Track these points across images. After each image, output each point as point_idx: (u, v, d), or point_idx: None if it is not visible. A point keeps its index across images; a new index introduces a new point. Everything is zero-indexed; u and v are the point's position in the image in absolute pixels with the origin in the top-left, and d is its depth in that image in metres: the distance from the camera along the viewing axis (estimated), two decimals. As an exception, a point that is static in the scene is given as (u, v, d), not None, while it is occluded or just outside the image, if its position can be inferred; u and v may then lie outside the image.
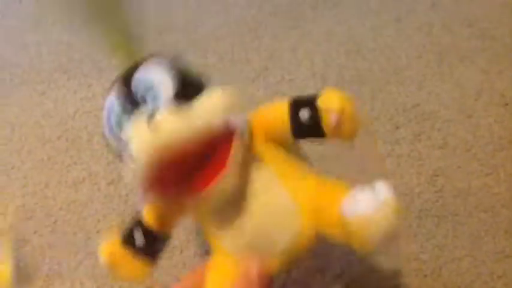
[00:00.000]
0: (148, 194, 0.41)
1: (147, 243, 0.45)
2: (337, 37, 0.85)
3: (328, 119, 0.40)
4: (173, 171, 0.38)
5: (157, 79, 0.40)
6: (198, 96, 0.40)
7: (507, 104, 0.73)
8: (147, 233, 0.46)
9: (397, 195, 0.66)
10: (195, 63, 0.83)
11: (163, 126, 0.37)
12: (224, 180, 0.39)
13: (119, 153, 0.43)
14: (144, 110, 0.39)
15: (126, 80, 0.42)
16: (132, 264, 0.46)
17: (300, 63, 0.82)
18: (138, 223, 0.46)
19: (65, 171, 0.76)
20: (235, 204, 0.42)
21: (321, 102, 0.41)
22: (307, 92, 0.78)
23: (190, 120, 0.38)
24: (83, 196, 0.73)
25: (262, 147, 0.43)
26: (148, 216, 0.46)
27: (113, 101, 0.42)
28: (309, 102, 0.41)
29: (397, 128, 0.73)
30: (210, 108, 0.39)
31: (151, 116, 0.37)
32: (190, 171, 0.39)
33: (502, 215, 0.63)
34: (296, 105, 0.42)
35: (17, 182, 0.76)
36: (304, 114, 0.41)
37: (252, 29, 0.88)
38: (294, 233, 0.41)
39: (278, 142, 0.44)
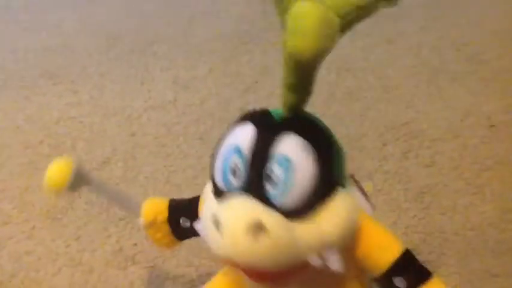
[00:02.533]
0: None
1: (189, 229, 0.45)
2: (328, 55, 0.86)
3: None
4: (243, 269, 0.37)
5: (300, 167, 0.34)
6: (321, 203, 0.35)
7: (493, 126, 0.74)
8: (191, 220, 0.45)
9: (384, 212, 0.67)
10: (185, 74, 0.84)
11: (263, 249, 0.33)
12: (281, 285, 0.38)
13: (214, 184, 0.38)
14: (269, 193, 0.34)
15: (270, 132, 0.35)
16: (164, 235, 0.47)
17: (290, 78, 0.83)
18: (191, 209, 0.45)
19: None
20: None
21: None
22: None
23: (294, 255, 0.35)
24: (63, 202, 0.70)
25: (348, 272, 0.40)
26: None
27: (243, 140, 0.36)
28: (414, 278, 0.38)
29: (385, 145, 0.73)
30: (318, 243, 0.35)
31: (258, 226, 0.33)
32: None
33: (489, 234, 0.63)
34: (400, 266, 0.38)
35: (-6, 185, 0.73)
36: (401, 284, 0.38)
37: (243, 43, 0.88)
38: None
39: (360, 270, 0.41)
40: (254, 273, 0.37)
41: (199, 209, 0.43)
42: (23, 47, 0.97)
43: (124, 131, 0.79)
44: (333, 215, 0.35)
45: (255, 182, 0.35)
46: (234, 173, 0.35)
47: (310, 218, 0.35)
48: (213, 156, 0.38)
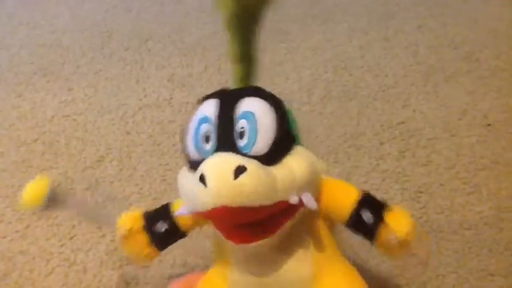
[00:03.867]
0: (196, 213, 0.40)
1: (167, 233, 0.46)
2: (325, 53, 0.86)
3: (387, 238, 0.41)
4: (221, 220, 0.40)
5: (262, 121, 0.39)
6: (283, 157, 0.40)
7: (490, 125, 0.74)
8: (171, 225, 0.46)
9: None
10: (181, 71, 0.83)
11: (247, 187, 0.36)
12: (263, 242, 0.40)
13: (188, 160, 0.41)
14: (240, 145, 0.39)
15: (231, 99, 0.41)
16: (143, 246, 0.46)
17: (287, 76, 0.82)
18: (166, 213, 0.47)
19: (40, 174, 0.73)
20: (262, 256, 0.42)
21: (389, 219, 0.42)
22: (294, 104, 0.78)
23: (273, 191, 0.38)
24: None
25: (314, 220, 0.44)
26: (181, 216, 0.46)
27: (209, 110, 0.40)
28: (377, 208, 0.43)
29: (382, 144, 0.73)
30: (292, 182, 0.39)
31: (238, 168, 0.36)
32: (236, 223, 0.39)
33: (486, 233, 0.63)
34: (363, 202, 0.43)
35: (-13, 184, 0.72)
36: (369, 217, 0.42)
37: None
38: None
39: (329, 220, 0.45)
40: (236, 232, 0.40)
41: (173, 209, 0.46)
42: (17, 44, 0.96)
43: (119, 129, 0.78)
44: (300, 162, 0.40)
45: (226, 139, 0.39)
46: (206, 139, 0.40)
47: (281, 164, 0.39)
48: (182, 135, 0.42)
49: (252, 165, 0.37)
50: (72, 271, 0.62)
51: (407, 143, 0.73)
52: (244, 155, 0.38)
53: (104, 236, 0.65)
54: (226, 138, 0.39)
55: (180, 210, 0.42)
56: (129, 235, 0.46)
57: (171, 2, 1.01)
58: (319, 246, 0.43)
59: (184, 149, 0.41)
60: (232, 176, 0.36)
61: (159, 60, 0.89)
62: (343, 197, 0.43)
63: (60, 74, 0.89)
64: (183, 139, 0.42)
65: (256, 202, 0.37)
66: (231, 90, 0.43)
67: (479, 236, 0.63)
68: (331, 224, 0.45)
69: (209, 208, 0.37)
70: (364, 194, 0.43)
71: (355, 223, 0.43)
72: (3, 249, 0.65)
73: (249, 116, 0.39)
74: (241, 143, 0.39)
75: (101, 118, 0.80)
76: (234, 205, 0.36)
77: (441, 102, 0.77)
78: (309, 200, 0.39)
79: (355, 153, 0.72)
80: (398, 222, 0.42)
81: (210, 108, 0.40)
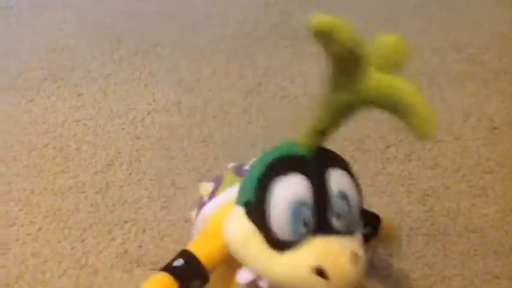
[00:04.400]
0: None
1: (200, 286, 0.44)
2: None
3: (376, 246, 0.47)
4: None
5: (352, 195, 0.40)
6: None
7: (495, 128, 0.74)
8: (204, 280, 0.44)
9: (388, 214, 0.67)
10: (189, 76, 0.84)
11: (359, 274, 0.39)
12: None
13: (277, 240, 0.40)
14: (337, 227, 0.40)
15: (319, 175, 0.40)
16: None
17: (293, 80, 0.83)
18: (196, 270, 0.44)
19: (52, 178, 0.74)
20: None
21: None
22: (299, 109, 0.79)
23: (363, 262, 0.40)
24: (69, 204, 0.71)
25: None
26: (213, 263, 0.44)
27: (304, 195, 0.39)
28: (375, 222, 0.48)
29: (388, 147, 0.74)
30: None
31: (354, 255, 0.38)
32: None
33: (491, 236, 0.64)
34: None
35: (0, 188, 0.74)
36: (369, 229, 0.47)
37: (247, 45, 0.89)
38: None
39: None
40: None
41: (204, 263, 0.43)
42: (26, 49, 0.98)
43: (128, 134, 0.79)
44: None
45: (325, 222, 0.39)
46: (304, 223, 0.39)
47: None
48: (261, 211, 0.40)
49: (360, 249, 0.40)
50: (84, 273, 0.63)
51: (413, 146, 0.73)
52: (339, 233, 0.40)
53: (114, 238, 0.67)
54: (325, 221, 0.39)
55: (246, 278, 0.41)
56: None
57: (179, 7, 1.02)
58: None
59: (269, 231, 0.40)
60: (354, 267, 0.38)
61: (168, 64, 0.90)
62: None
63: (70, 79, 0.90)
64: (261, 218, 0.40)
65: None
66: (310, 162, 0.41)
67: (485, 239, 0.64)
68: None
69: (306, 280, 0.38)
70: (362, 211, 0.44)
71: None
72: (16, 252, 0.67)
73: (344, 196, 0.40)
74: (338, 224, 0.40)
75: (110, 123, 0.81)
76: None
77: (446, 105, 0.77)
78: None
79: (361, 156, 0.73)
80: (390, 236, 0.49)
81: (303, 190, 0.39)
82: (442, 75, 0.81)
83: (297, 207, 0.39)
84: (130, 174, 0.74)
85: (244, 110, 0.81)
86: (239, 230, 0.41)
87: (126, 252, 0.65)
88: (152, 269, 0.63)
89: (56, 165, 0.76)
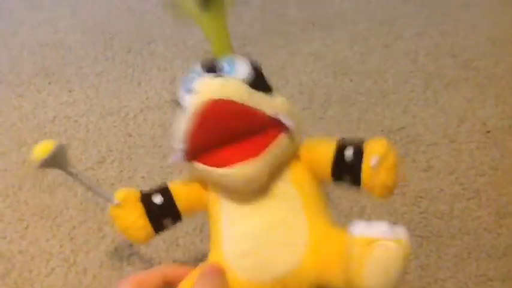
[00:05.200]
0: (187, 147, 0.40)
1: (162, 207, 0.45)
2: (326, 59, 0.86)
3: (369, 161, 0.39)
4: (215, 135, 0.39)
5: (238, 64, 0.41)
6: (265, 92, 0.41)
7: (488, 132, 0.74)
8: (168, 202, 0.45)
9: (381, 215, 0.67)
10: (183, 74, 0.83)
11: (231, 84, 0.38)
12: (251, 166, 0.39)
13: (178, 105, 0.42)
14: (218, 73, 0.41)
15: (212, 61, 0.42)
16: (138, 216, 0.44)
17: (287, 81, 0.83)
18: (163, 189, 0.45)
19: (41, 175, 0.73)
20: (250, 207, 0.41)
21: (366, 145, 0.41)
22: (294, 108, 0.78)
23: (254, 95, 0.39)
24: (57, 202, 0.70)
25: (302, 174, 0.43)
26: (178, 191, 0.45)
27: (195, 68, 0.43)
28: (356, 145, 0.42)
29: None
30: (273, 102, 0.40)
31: (219, 75, 0.39)
32: (227, 143, 0.39)
33: (485, 239, 0.64)
34: (343, 145, 0.42)
35: (-12, 184, 0.72)
36: (349, 152, 0.41)
37: (241, 45, 0.88)
38: (295, 264, 0.39)
39: (318, 178, 0.44)
40: (223, 153, 0.39)
41: (171, 186, 0.45)
42: (18, 44, 0.96)
43: (120, 131, 0.78)
44: (282, 100, 0.41)
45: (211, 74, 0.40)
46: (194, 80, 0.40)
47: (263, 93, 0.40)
48: (174, 101, 0.43)
49: (233, 78, 0.40)
50: (72, 272, 0.62)
51: (407, 148, 0.73)
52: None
53: (104, 237, 0.65)
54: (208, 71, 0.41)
55: (174, 156, 0.41)
56: (124, 205, 0.44)
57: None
58: (309, 200, 0.42)
59: (177, 104, 0.42)
60: (216, 78, 0.39)
61: (161, 62, 0.89)
62: (324, 146, 0.43)
63: (62, 75, 0.89)
64: (174, 101, 0.43)
65: (241, 98, 0.38)
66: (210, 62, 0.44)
67: (478, 241, 0.63)
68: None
69: (199, 109, 0.38)
70: (341, 138, 0.43)
71: (340, 166, 0.41)
72: (3, 249, 0.65)
73: (229, 61, 0.41)
74: (222, 73, 0.40)
75: (102, 120, 0.80)
76: (222, 98, 0.38)
77: (440, 109, 0.77)
78: (287, 121, 0.40)
79: (356, 157, 0.72)
80: (374, 146, 0.40)
81: (198, 68, 0.42)
82: (437, 79, 0.81)
83: (188, 76, 0.42)
84: (121, 171, 0.73)
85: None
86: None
87: (116, 250, 0.64)
88: (142, 268, 0.62)
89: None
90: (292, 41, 0.88)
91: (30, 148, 0.77)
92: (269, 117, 0.39)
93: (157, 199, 0.45)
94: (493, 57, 0.83)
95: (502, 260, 0.62)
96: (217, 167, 0.39)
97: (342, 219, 0.66)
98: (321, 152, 0.43)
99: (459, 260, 0.62)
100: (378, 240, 0.34)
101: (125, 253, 0.64)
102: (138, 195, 0.45)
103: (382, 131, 0.75)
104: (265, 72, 0.43)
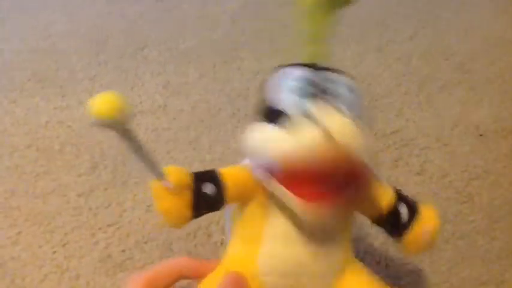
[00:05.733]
0: (277, 168, 0.37)
1: (212, 198, 0.41)
2: (319, 62, 0.86)
3: (419, 228, 0.42)
4: (311, 166, 0.36)
5: (347, 88, 0.38)
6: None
7: (482, 135, 0.75)
8: (218, 190, 0.41)
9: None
10: (176, 79, 0.83)
11: (359, 134, 0.35)
12: (327, 208, 0.37)
13: (271, 111, 0.38)
14: (330, 100, 0.37)
15: (319, 70, 0.40)
16: (183, 204, 0.40)
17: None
18: (216, 177, 0.42)
19: (33, 181, 0.73)
20: (299, 230, 0.40)
21: (422, 211, 0.42)
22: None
23: (369, 145, 0.37)
24: (50, 207, 0.69)
25: (351, 212, 0.43)
26: (233, 179, 0.42)
27: (296, 72, 0.39)
28: (411, 203, 0.42)
29: (376, 152, 0.73)
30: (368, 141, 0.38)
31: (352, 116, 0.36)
32: (312, 178, 0.37)
33: (478, 243, 0.64)
34: (400, 197, 0.42)
35: (-20, 190, 0.72)
36: (403, 209, 0.42)
37: (234, 49, 0.88)
38: None
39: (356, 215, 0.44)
40: (308, 189, 0.37)
41: (225, 175, 0.42)
42: (10, 49, 0.96)
43: (113, 136, 0.78)
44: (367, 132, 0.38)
45: (317, 95, 0.37)
46: (293, 92, 0.37)
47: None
48: (260, 92, 0.39)
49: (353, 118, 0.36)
50: (65, 278, 0.62)
51: (401, 152, 0.73)
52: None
53: (97, 242, 0.65)
54: (315, 93, 0.37)
55: (256, 170, 0.39)
56: (173, 189, 0.40)
57: (167, 9, 1.01)
58: (348, 239, 0.42)
59: (263, 104, 0.39)
60: (346, 118, 0.35)
61: (155, 67, 0.89)
62: (381, 191, 0.42)
63: (55, 80, 0.89)
64: (260, 94, 0.39)
65: (358, 154, 0.35)
66: (311, 63, 0.41)
67: (472, 246, 0.64)
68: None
69: (315, 149, 0.35)
70: (398, 190, 0.43)
71: (392, 218, 0.42)
72: (-5, 255, 0.65)
73: (333, 81, 0.38)
74: (329, 100, 0.37)
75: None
76: (341, 148, 0.34)
77: (434, 112, 0.77)
78: (373, 168, 0.38)
79: (349, 161, 0.72)
80: (431, 217, 0.42)
81: (297, 70, 0.39)
82: (431, 82, 0.81)
83: (288, 77, 0.38)
84: (114, 177, 0.72)
85: (231, 114, 0.80)
86: (250, 133, 0.40)
87: (109, 256, 0.64)
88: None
89: (38, 167, 0.75)
90: (285, 45, 0.88)
91: (22, 153, 0.77)
92: (365, 163, 0.37)
93: (208, 189, 0.41)
94: (487, 60, 0.84)
95: (496, 264, 0.62)
96: (298, 197, 0.37)
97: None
98: (378, 196, 0.42)
99: (453, 265, 0.62)
100: None
101: (118, 259, 0.63)
102: (190, 180, 0.41)
103: (376, 134, 0.75)
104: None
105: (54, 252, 0.65)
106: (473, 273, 0.61)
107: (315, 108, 0.36)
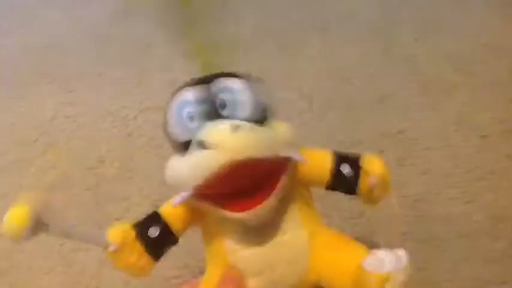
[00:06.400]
0: (194, 193, 0.40)
1: (160, 238, 0.44)
2: (326, 63, 0.87)
3: (367, 180, 0.43)
4: (225, 182, 0.39)
5: (239, 92, 0.41)
6: (266, 122, 0.41)
7: (485, 136, 0.75)
8: (163, 229, 0.44)
9: (379, 218, 0.67)
10: (182, 76, 0.83)
11: (249, 138, 0.38)
12: (263, 208, 0.40)
13: (178, 144, 0.41)
14: (225, 115, 0.40)
15: (205, 83, 0.42)
16: (138, 256, 0.44)
17: (288, 84, 0.83)
18: (156, 218, 0.44)
19: (40, 174, 0.73)
20: (258, 229, 0.43)
21: (364, 163, 0.44)
22: (294, 112, 0.79)
23: (271, 142, 0.40)
24: (57, 200, 0.70)
25: (297, 189, 0.45)
26: (172, 214, 0.45)
27: (187, 96, 0.41)
28: (352, 160, 0.44)
29: (381, 152, 0.74)
30: (280, 138, 0.41)
31: (234, 125, 0.38)
32: (236, 188, 0.40)
33: (482, 242, 0.64)
34: (339, 158, 0.44)
35: (-14, 183, 0.72)
36: (346, 169, 0.43)
37: (242, 48, 0.89)
38: (301, 275, 0.43)
39: (308, 186, 0.46)
40: (236, 201, 0.40)
41: (162, 213, 0.44)
42: (18, 45, 0.96)
43: (120, 132, 0.79)
44: (282, 124, 0.42)
45: (210, 112, 0.40)
46: (191, 119, 0.40)
47: (265, 126, 0.41)
48: (164, 125, 0.42)
49: (244, 123, 0.39)
50: (71, 270, 0.62)
51: (405, 151, 0.74)
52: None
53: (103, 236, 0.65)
54: (209, 111, 0.40)
55: (177, 199, 0.41)
56: (122, 248, 0.43)
57: (173, 6, 1.01)
58: (304, 211, 0.44)
59: (169, 137, 0.42)
60: (231, 132, 0.38)
61: (161, 64, 0.90)
62: (319, 160, 0.44)
63: (61, 76, 0.89)
64: (165, 128, 0.42)
65: (260, 152, 0.38)
66: (203, 77, 0.43)
67: (476, 245, 0.64)
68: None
69: (215, 169, 0.37)
70: (336, 152, 0.45)
71: (337, 181, 0.44)
72: (2, 247, 0.65)
73: (226, 90, 0.41)
74: (225, 112, 0.40)
75: (101, 120, 0.81)
76: (240, 158, 0.37)
77: (438, 113, 0.78)
78: (295, 154, 0.41)
79: (354, 161, 0.73)
80: (373, 165, 0.44)
81: (188, 94, 0.41)
82: (434, 84, 0.82)
83: (181, 106, 0.40)
84: (121, 171, 0.73)
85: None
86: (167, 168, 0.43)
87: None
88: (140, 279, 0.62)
89: (45, 161, 0.75)
90: (293, 46, 0.89)
91: (30, 147, 0.77)
92: (278, 158, 0.40)
93: (154, 231, 0.44)
94: (490, 62, 0.84)
95: (499, 264, 0.62)
96: (234, 211, 0.40)
97: (342, 222, 0.67)
98: (317, 165, 0.44)
99: (456, 264, 0.62)
100: (389, 277, 0.39)
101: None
102: (134, 233, 0.44)
103: (381, 134, 0.76)
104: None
105: (61, 244, 0.65)
106: (477, 272, 0.62)
107: (204, 129, 0.39)
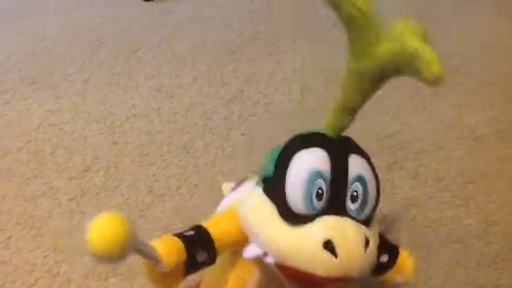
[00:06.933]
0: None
1: (205, 264, 0.42)
2: (315, 66, 0.86)
3: (395, 276, 0.45)
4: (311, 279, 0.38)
5: (370, 185, 0.39)
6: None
7: (477, 138, 0.74)
8: (210, 254, 0.42)
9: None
10: (170, 82, 0.83)
11: (370, 260, 0.38)
12: None
13: (290, 211, 0.38)
14: (352, 209, 0.38)
15: (340, 156, 0.39)
16: (180, 276, 0.41)
17: (276, 88, 0.82)
18: (207, 240, 0.42)
19: (24, 184, 0.72)
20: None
21: (400, 261, 0.45)
22: (283, 116, 0.78)
23: (372, 263, 0.39)
24: (41, 211, 0.68)
25: None
26: (221, 239, 0.42)
27: (323, 167, 0.38)
28: (392, 254, 0.45)
29: (371, 156, 0.73)
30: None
31: (365, 240, 0.37)
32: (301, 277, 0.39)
33: (474, 247, 0.63)
34: (383, 248, 0.43)
35: (-30, 193, 0.71)
36: (384, 260, 0.44)
37: (229, 52, 0.88)
38: None
39: None
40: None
41: (215, 240, 0.42)
42: (4, 51, 0.95)
43: (106, 139, 0.77)
44: (376, 230, 0.41)
45: (340, 201, 0.38)
46: (319, 197, 0.38)
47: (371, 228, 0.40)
48: (279, 182, 0.39)
49: (372, 238, 0.38)
50: (56, 283, 0.61)
51: (396, 155, 0.73)
52: (353, 219, 0.38)
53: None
54: (339, 200, 0.38)
55: (252, 253, 0.40)
56: (170, 271, 0.39)
57: (161, 12, 1.01)
58: None
59: (282, 197, 0.38)
60: (363, 250, 0.37)
61: (148, 70, 0.89)
62: None
63: (48, 82, 0.88)
64: (277, 189, 0.39)
65: (364, 274, 0.38)
66: (334, 142, 0.41)
67: (468, 249, 0.63)
68: None
69: (323, 275, 0.36)
70: (381, 235, 0.43)
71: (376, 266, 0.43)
72: (-15, 260, 0.64)
73: (362, 180, 0.39)
74: (353, 206, 0.38)
75: (88, 127, 0.79)
76: (352, 275, 0.37)
77: (429, 116, 0.77)
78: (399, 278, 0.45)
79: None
80: (407, 264, 0.46)
81: (323, 162, 0.38)
82: (426, 85, 0.81)
83: (314, 176, 0.38)
84: (106, 180, 0.72)
85: (225, 117, 0.80)
86: (251, 201, 0.40)
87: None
88: (128, 278, 0.60)
89: (29, 170, 0.74)
90: (281, 49, 0.88)
91: (14, 156, 0.76)
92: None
93: (201, 257, 0.41)
94: (483, 63, 0.84)
95: (491, 267, 0.61)
96: (290, 281, 0.40)
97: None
98: None
99: (449, 268, 0.61)
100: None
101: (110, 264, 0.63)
102: (184, 256, 0.40)
103: (371, 138, 0.75)
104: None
105: (45, 256, 0.64)
106: (469, 276, 0.61)
107: (335, 227, 0.37)
